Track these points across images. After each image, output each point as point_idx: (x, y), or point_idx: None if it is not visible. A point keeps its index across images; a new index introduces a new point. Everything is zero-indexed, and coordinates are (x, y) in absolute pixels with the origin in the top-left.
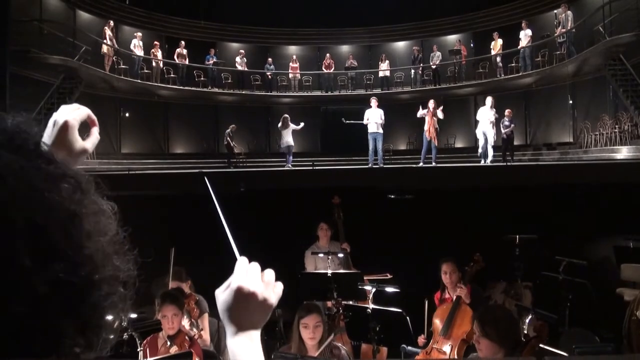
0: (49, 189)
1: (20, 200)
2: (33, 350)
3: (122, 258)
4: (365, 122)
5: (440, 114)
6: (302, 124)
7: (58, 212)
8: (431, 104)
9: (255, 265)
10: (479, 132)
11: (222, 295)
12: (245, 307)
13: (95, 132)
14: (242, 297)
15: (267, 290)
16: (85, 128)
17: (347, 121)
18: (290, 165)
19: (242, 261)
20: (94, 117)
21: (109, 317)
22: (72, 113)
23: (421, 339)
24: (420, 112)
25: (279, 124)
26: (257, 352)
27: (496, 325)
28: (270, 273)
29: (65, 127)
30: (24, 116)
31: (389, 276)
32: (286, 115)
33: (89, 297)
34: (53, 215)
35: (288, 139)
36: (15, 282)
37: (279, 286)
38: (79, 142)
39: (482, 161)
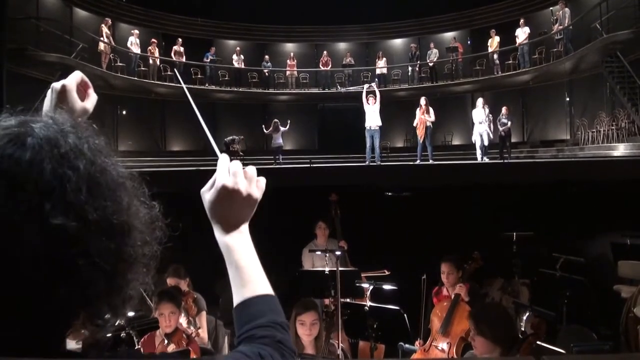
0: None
1: (96, 170)
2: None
3: (151, 233)
4: (366, 86)
5: (431, 116)
6: (288, 122)
7: (115, 180)
8: (422, 101)
9: (237, 163)
10: (475, 134)
11: (208, 194)
12: (230, 203)
13: (92, 92)
14: (227, 195)
15: (251, 186)
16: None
17: (346, 89)
18: (281, 163)
19: (223, 159)
20: (87, 80)
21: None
22: (67, 79)
23: (419, 344)
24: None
25: (270, 129)
26: (247, 243)
27: (490, 323)
28: (252, 169)
29: (63, 90)
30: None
31: (387, 273)
32: (276, 120)
33: (126, 238)
34: (111, 179)
35: (279, 140)
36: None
37: (262, 180)
38: (78, 103)
39: (480, 158)
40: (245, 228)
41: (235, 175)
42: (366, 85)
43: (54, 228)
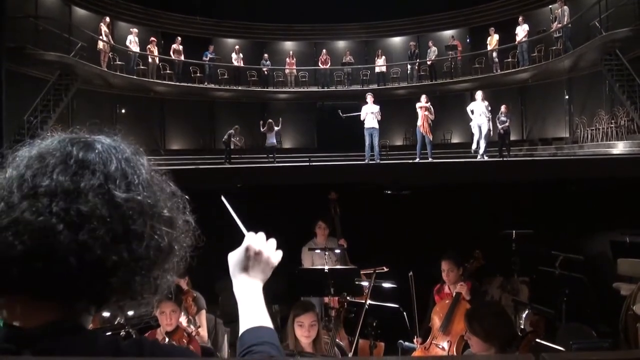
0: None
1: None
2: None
3: (185, 239)
4: (362, 115)
5: (432, 113)
6: (280, 120)
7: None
8: (423, 98)
9: (262, 234)
10: (474, 126)
11: (234, 255)
12: (252, 262)
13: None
14: (251, 254)
15: (271, 252)
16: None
17: (344, 115)
18: (275, 161)
19: (250, 234)
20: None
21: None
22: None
23: (417, 342)
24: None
25: (265, 128)
26: (258, 292)
27: (482, 322)
28: (272, 241)
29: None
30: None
31: (386, 269)
32: (270, 120)
33: (173, 230)
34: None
35: (272, 140)
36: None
37: (279, 253)
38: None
39: (478, 156)
40: (259, 284)
41: (259, 241)
42: (363, 112)
43: (119, 203)
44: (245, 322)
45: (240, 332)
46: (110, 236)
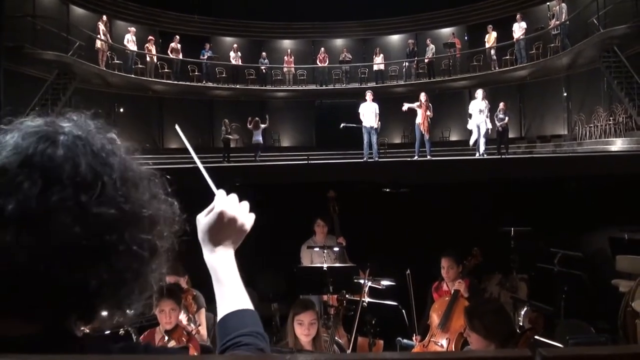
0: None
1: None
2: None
3: (170, 228)
4: (361, 119)
5: (431, 111)
6: (267, 118)
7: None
8: (423, 96)
9: (234, 195)
10: (472, 125)
11: (205, 218)
12: (225, 228)
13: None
14: (224, 220)
15: (245, 217)
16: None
17: (344, 125)
18: (257, 159)
19: (221, 193)
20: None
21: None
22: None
23: (416, 339)
24: (408, 105)
25: (251, 125)
26: (233, 264)
27: (482, 319)
28: (245, 204)
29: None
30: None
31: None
32: (257, 118)
33: (154, 230)
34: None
35: (258, 137)
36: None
37: (252, 216)
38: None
39: (477, 153)
40: (231, 252)
41: (233, 204)
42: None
43: (93, 217)
44: (225, 302)
45: (220, 313)
46: (87, 261)
